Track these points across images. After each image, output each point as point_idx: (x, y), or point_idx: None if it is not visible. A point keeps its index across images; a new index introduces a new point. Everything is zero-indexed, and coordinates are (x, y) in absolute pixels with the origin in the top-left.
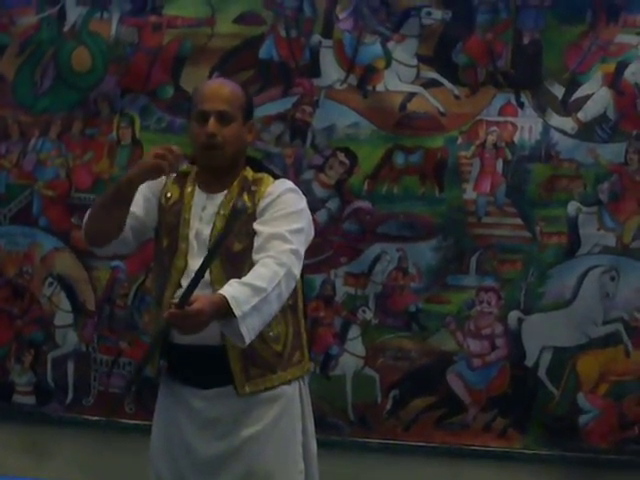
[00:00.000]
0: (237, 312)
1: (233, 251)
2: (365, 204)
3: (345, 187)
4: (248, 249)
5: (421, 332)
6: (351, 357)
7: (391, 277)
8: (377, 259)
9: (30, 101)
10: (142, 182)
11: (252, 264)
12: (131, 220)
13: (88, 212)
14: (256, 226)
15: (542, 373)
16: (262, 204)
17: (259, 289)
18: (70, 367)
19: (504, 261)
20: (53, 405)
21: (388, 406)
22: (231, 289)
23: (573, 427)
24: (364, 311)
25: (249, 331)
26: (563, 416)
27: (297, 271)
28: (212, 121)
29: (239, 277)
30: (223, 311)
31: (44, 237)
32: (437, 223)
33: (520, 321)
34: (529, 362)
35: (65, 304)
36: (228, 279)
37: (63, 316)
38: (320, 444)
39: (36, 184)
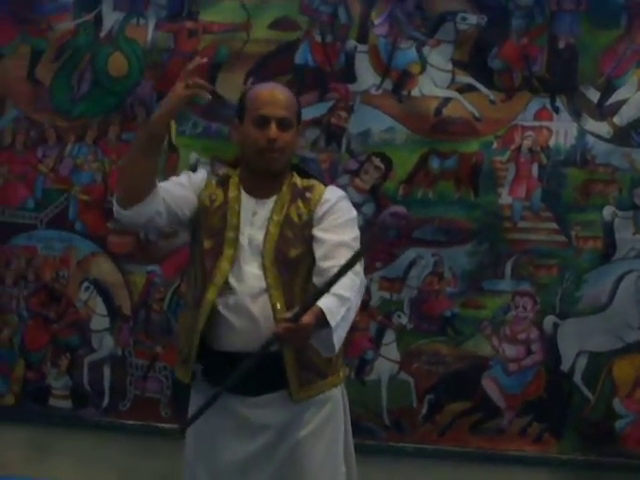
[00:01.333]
0: (332, 323)
1: (289, 257)
2: (400, 209)
3: (380, 192)
4: (304, 255)
5: (456, 337)
6: (386, 362)
7: (426, 282)
8: (412, 264)
9: (67, 106)
10: (174, 115)
11: (309, 270)
12: (167, 196)
13: (121, 166)
14: (318, 233)
15: (578, 378)
16: (319, 211)
17: (345, 299)
18: (106, 371)
19: (540, 266)
20: (89, 409)
21: (423, 411)
22: (324, 299)
23: (609, 432)
24: (399, 316)
25: (339, 341)
26: (599, 421)
27: (364, 278)
28: (274, 126)
29: (294, 283)
30: (320, 322)
31: (80, 241)
32: (472, 228)
33: (556, 326)
34: (565, 367)
35: (101, 308)
36: (283, 285)
37: (99, 320)
38: (355, 448)
39: (72, 189)
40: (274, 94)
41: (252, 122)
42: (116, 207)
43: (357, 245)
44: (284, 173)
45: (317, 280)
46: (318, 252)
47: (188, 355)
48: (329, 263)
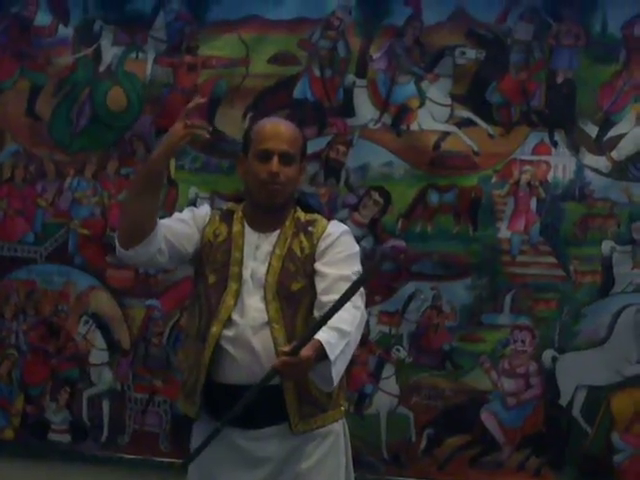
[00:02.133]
0: (331, 357)
1: (291, 290)
2: (399, 243)
3: (379, 226)
4: (305, 288)
5: (455, 371)
6: (385, 396)
7: (425, 316)
8: (411, 298)
9: (66, 140)
10: (173, 154)
11: (309, 304)
12: (169, 233)
13: (121, 205)
14: (320, 267)
15: (576, 412)
16: (322, 245)
17: (345, 333)
18: (105, 405)
19: (538, 300)
20: (88, 443)
21: (422, 445)
22: (323, 334)
23: (607, 466)
24: (398, 350)
25: (338, 374)
26: (597, 455)
27: (365, 313)
28: (276, 160)
29: (296, 316)
30: (319, 356)
31: (79, 275)
32: (471, 262)
33: (554, 360)
34: (563, 401)
35: (100, 342)
36: (285, 318)
37: (98, 354)
38: None
39: (72, 223)
40: (278, 129)
41: (255, 156)
42: (118, 247)
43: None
44: (287, 207)
45: (318, 314)
46: (319, 286)
47: (193, 389)
48: (330, 297)
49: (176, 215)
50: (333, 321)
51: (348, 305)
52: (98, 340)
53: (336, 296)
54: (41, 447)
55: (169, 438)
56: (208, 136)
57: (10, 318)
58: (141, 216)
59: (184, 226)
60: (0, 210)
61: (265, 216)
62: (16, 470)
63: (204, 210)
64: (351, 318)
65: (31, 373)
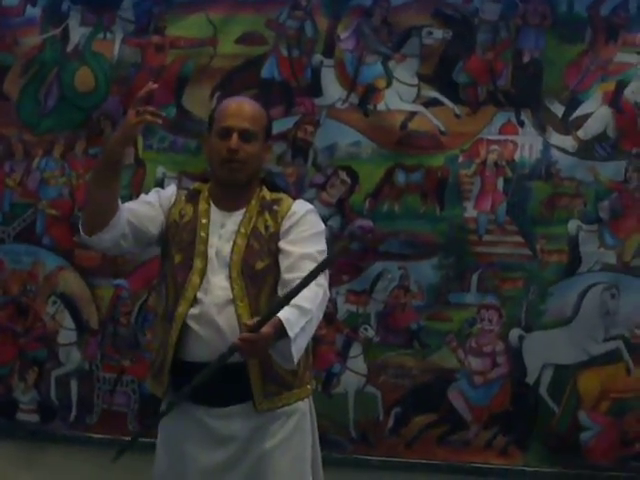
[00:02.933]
0: (291, 334)
1: (255, 269)
2: (366, 222)
3: (346, 205)
4: (269, 267)
5: (422, 350)
6: (353, 375)
7: (393, 295)
8: (379, 277)
9: (34, 121)
10: (128, 142)
11: (274, 282)
12: (133, 217)
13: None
14: (284, 245)
15: (543, 390)
16: (286, 224)
17: (306, 311)
18: (73, 385)
19: (505, 279)
20: (56, 423)
21: (390, 423)
22: (284, 311)
23: (574, 444)
24: (366, 329)
25: (298, 352)
26: (564, 433)
27: (328, 291)
28: (235, 137)
29: (260, 295)
30: (279, 333)
31: (47, 255)
32: (438, 241)
33: (521, 339)
34: (530, 379)
35: (68, 322)
36: (249, 296)
37: (66, 334)
38: (322, 461)
39: (40, 203)
40: (239, 107)
41: (216, 133)
42: (81, 233)
43: (322, 258)
44: (252, 186)
45: (282, 292)
46: (283, 264)
47: (161, 368)
48: (293, 275)
49: (141, 197)
50: (295, 299)
51: (311, 283)
52: (66, 320)
53: (300, 274)
54: (9, 427)
55: (137, 418)
56: (160, 122)
57: None
58: (102, 203)
59: (149, 208)
60: None
61: (230, 195)
62: None
63: (170, 191)
64: (313, 296)
65: None
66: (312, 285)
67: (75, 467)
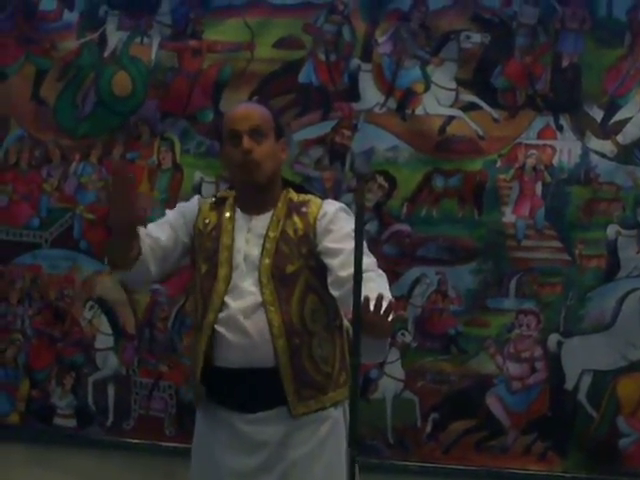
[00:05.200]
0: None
1: (286, 272)
2: (404, 227)
3: (384, 210)
4: (300, 270)
5: (460, 355)
6: (391, 380)
7: (430, 300)
8: (416, 282)
9: (71, 125)
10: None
11: (305, 285)
12: (155, 245)
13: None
14: (329, 244)
15: (582, 396)
16: (321, 224)
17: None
18: (110, 390)
19: (543, 284)
20: (94, 428)
21: (427, 429)
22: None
23: (613, 450)
24: (403, 334)
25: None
26: (603, 439)
27: None
28: (246, 138)
29: (291, 298)
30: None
31: (85, 260)
32: (476, 246)
33: (560, 344)
34: (569, 385)
35: (106, 327)
36: (280, 300)
37: (103, 339)
38: (359, 467)
39: (77, 208)
40: (243, 110)
41: (228, 141)
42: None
43: (368, 251)
44: (275, 188)
45: (336, 292)
46: (334, 262)
47: (194, 377)
48: (349, 271)
49: (165, 218)
50: (383, 290)
51: (374, 275)
52: (103, 325)
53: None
54: (47, 432)
55: (174, 423)
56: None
57: (16, 303)
58: (124, 257)
59: (170, 230)
60: (5, 195)
61: (255, 198)
62: (21, 454)
63: (193, 203)
64: (387, 286)
65: (37, 358)
66: (380, 276)
67: (112, 472)
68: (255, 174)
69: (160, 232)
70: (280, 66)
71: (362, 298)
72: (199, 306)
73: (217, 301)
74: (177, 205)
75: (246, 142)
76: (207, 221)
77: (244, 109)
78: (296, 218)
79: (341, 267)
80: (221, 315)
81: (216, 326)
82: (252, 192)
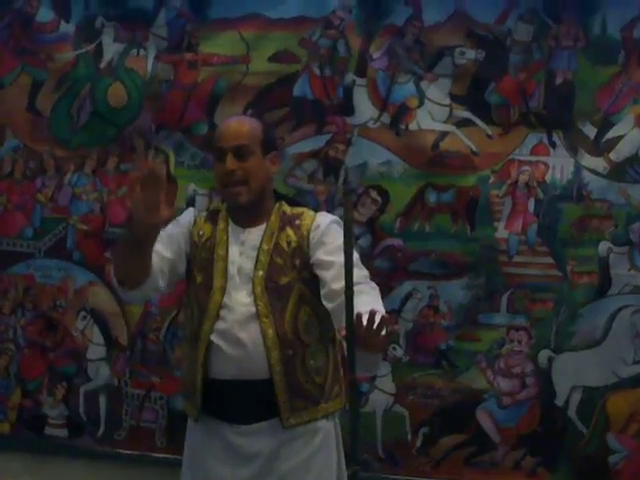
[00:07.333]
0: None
1: (280, 284)
2: (397, 242)
3: (377, 224)
4: (293, 282)
5: (451, 370)
6: (381, 394)
7: (422, 315)
8: (408, 296)
9: (66, 136)
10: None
11: (298, 297)
12: (162, 262)
13: (114, 256)
14: (322, 256)
15: (572, 412)
16: (315, 236)
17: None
18: (102, 401)
19: (535, 300)
20: (85, 438)
21: (418, 443)
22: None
23: (603, 467)
24: (394, 348)
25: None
26: (593, 456)
27: None
28: (229, 158)
29: (285, 310)
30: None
31: (78, 271)
32: (468, 261)
33: (550, 360)
34: (559, 401)
35: (98, 338)
36: (274, 312)
37: (96, 350)
38: None
39: (71, 218)
40: (229, 126)
41: (215, 157)
42: (118, 286)
43: (361, 263)
44: (267, 201)
45: (329, 304)
46: (327, 275)
47: (192, 389)
48: (342, 284)
49: (164, 232)
50: (374, 304)
51: (367, 288)
52: (96, 335)
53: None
54: (38, 441)
55: (165, 434)
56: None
57: (8, 312)
58: (136, 271)
59: (172, 244)
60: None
61: (246, 212)
62: (12, 464)
63: (188, 216)
64: (380, 300)
65: (28, 367)
66: (372, 290)
67: None
68: (238, 197)
69: (163, 246)
70: (275, 79)
71: (355, 311)
72: (195, 316)
73: (213, 311)
74: (174, 221)
75: (229, 162)
76: (201, 232)
77: (231, 126)
78: (289, 230)
79: (334, 279)
80: (217, 328)
81: (212, 338)
82: (241, 208)
